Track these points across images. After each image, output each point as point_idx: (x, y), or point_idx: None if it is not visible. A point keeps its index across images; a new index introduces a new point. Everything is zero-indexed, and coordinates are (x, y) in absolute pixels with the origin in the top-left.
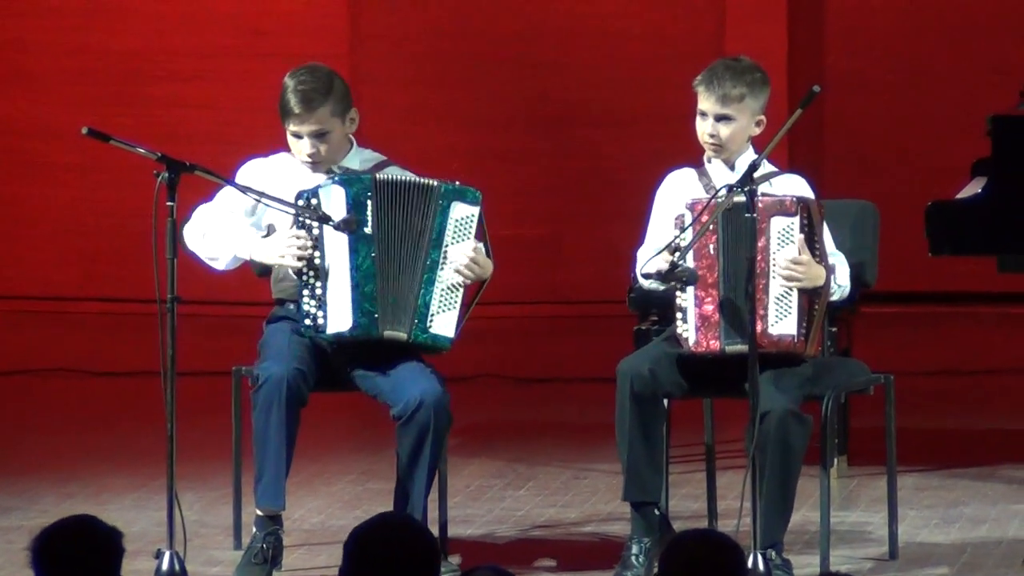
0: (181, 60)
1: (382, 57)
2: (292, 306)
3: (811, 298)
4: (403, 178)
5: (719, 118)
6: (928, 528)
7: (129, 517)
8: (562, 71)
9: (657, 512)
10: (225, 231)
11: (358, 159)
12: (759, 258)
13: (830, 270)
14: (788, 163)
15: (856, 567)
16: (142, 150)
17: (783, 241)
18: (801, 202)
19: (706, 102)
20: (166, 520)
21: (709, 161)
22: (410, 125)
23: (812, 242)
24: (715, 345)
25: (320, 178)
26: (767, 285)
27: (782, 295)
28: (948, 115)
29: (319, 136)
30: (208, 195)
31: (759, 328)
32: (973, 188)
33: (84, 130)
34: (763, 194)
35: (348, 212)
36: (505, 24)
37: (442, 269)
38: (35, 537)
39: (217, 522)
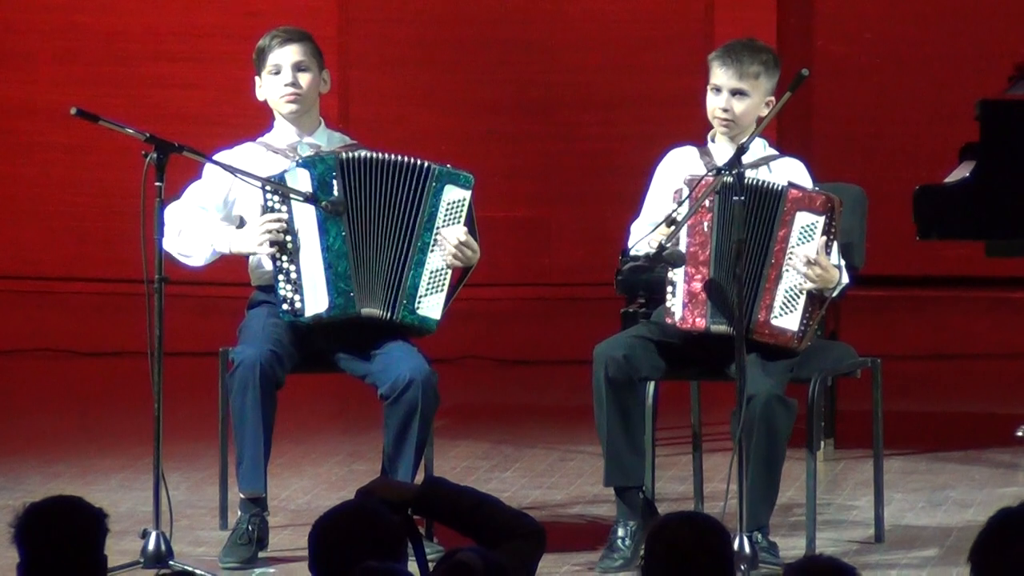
0: (170, 41)
1: (371, 40)
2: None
3: (817, 298)
4: (378, 156)
5: (734, 92)
6: (914, 511)
7: (116, 497)
8: (551, 54)
9: (642, 495)
10: (200, 227)
11: (326, 137)
12: (776, 247)
13: (840, 272)
14: (778, 146)
15: (842, 550)
16: (131, 130)
17: (804, 237)
18: (829, 202)
19: (722, 76)
20: (152, 500)
21: (713, 140)
22: (399, 108)
23: (829, 244)
24: (701, 323)
25: (285, 164)
26: (779, 276)
27: (791, 290)
28: (937, 99)
29: (300, 69)
30: (196, 175)
31: (761, 317)
32: (961, 172)
33: (73, 110)
34: (792, 184)
35: (314, 193)
36: (494, 7)
37: (432, 252)
38: (18, 516)
39: (203, 502)
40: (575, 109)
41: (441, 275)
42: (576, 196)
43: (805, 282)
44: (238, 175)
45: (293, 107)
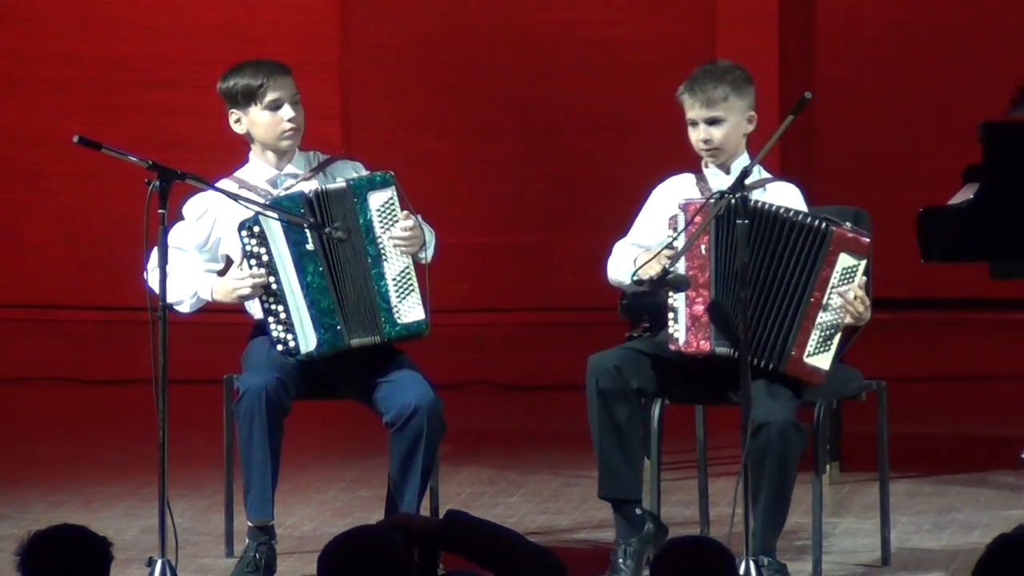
0: (172, 68)
1: (371, 66)
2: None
3: (850, 334)
4: (329, 187)
5: (709, 121)
6: (920, 534)
7: (121, 525)
8: (553, 79)
9: (639, 511)
10: (184, 273)
11: (303, 161)
12: (816, 286)
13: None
14: (780, 169)
15: (848, 573)
16: (133, 158)
17: (846, 278)
18: (869, 244)
19: (692, 109)
20: (158, 528)
21: (706, 166)
22: (399, 133)
23: (868, 284)
24: (705, 345)
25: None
26: (817, 314)
27: (828, 329)
28: (939, 122)
29: (296, 102)
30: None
31: (795, 353)
32: (965, 194)
33: (75, 138)
34: (828, 219)
35: (286, 234)
36: (495, 32)
37: (386, 260)
38: (23, 544)
39: (209, 529)
40: (577, 134)
41: (405, 276)
42: (578, 221)
43: (844, 319)
44: (241, 202)
45: (292, 141)
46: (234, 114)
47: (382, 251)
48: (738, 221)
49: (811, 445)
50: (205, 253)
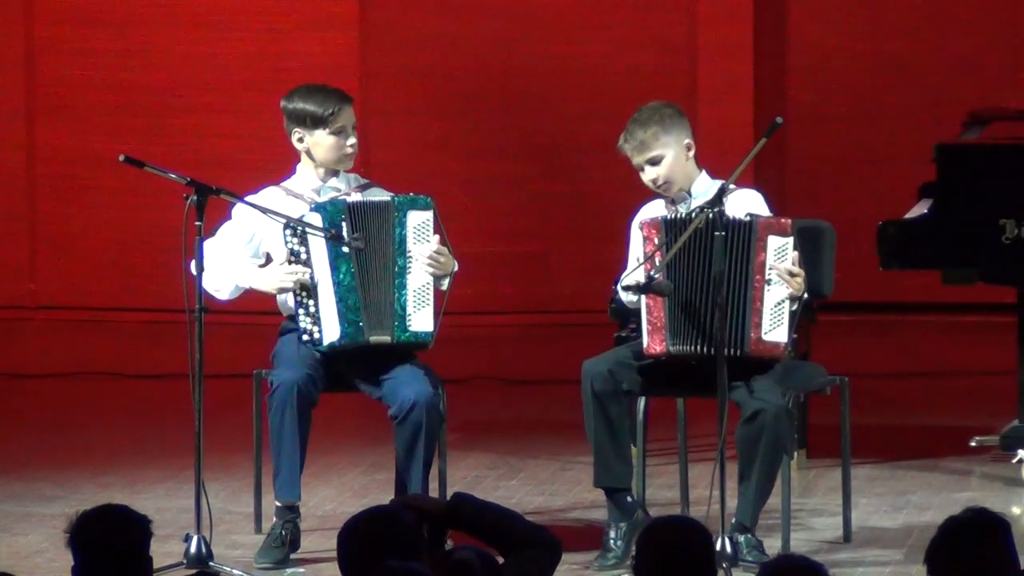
0: (208, 94)
1: (389, 91)
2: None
3: (798, 307)
4: (371, 199)
5: (650, 162)
6: (879, 514)
7: (161, 505)
8: (550, 105)
9: (630, 499)
10: (226, 264)
11: (345, 181)
12: (756, 271)
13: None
14: (753, 185)
15: (814, 549)
16: (173, 175)
17: (780, 258)
18: (790, 223)
19: (633, 157)
20: (194, 507)
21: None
22: (414, 152)
23: (799, 259)
24: (661, 348)
25: (302, 208)
26: (762, 296)
27: (777, 305)
28: (897, 143)
29: (355, 130)
30: (229, 216)
31: (753, 334)
32: (920, 209)
33: (121, 157)
34: (749, 214)
35: (336, 231)
36: (500, 62)
37: (410, 272)
38: (72, 522)
39: (240, 509)
40: (573, 154)
41: (424, 292)
42: (573, 232)
43: (787, 291)
44: (268, 214)
45: (349, 164)
46: (297, 133)
47: (409, 265)
48: (716, 233)
49: None
50: (248, 249)
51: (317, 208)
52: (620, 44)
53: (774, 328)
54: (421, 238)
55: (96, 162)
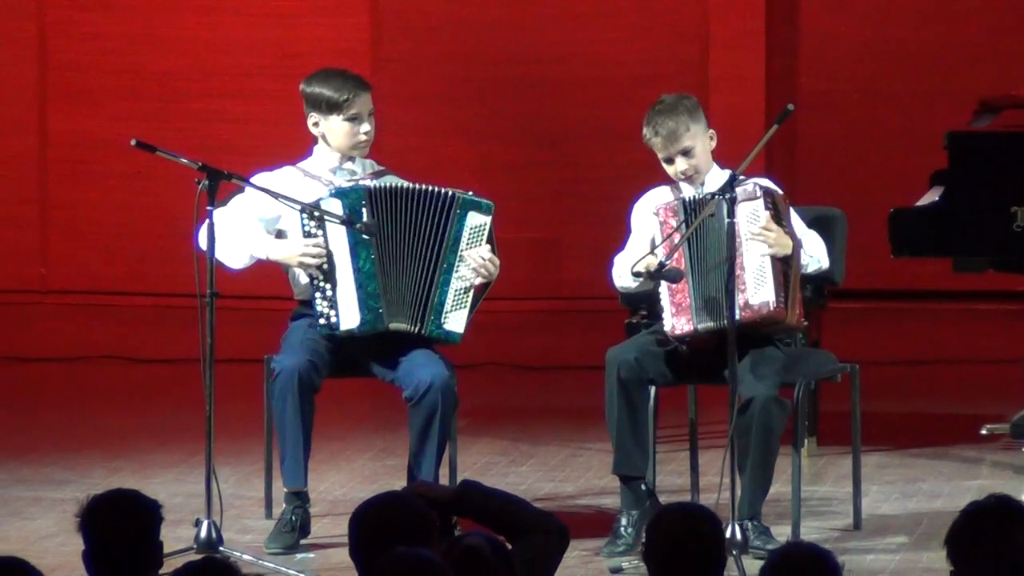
0: (219, 80)
1: (401, 79)
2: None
3: (784, 267)
4: (404, 186)
5: (682, 153)
6: (889, 502)
7: (171, 489)
8: (561, 92)
9: (644, 487)
10: (241, 233)
11: (361, 166)
12: (735, 241)
13: (798, 243)
14: (765, 172)
15: (824, 536)
16: (184, 160)
17: (752, 221)
18: (763, 189)
19: (663, 149)
20: (204, 492)
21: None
22: (426, 139)
23: (779, 221)
24: (688, 327)
25: (320, 191)
26: (742, 262)
27: (757, 266)
28: (908, 131)
29: (371, 115)
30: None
31: (740, 301)
32: (931, 196)
33: (133, 142)
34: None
35: (348, 216)
36: (511, 50)
37: (457, 271)
38: (83, 506)
39: (250, 494)
40: (583, 141)
41: (465, 293)
42: (584, 218)
43: (763, 249)
44: (280, 199)
45: (363, 152)
46: (313, 117)
47: (457, 264)
48: (728, 220)
49: (791, 421)
50: (263, 223)
51: (337, 193)
52: (632, 31)
53: (759, 289)
54: (474, 241)
55: (107, 147)
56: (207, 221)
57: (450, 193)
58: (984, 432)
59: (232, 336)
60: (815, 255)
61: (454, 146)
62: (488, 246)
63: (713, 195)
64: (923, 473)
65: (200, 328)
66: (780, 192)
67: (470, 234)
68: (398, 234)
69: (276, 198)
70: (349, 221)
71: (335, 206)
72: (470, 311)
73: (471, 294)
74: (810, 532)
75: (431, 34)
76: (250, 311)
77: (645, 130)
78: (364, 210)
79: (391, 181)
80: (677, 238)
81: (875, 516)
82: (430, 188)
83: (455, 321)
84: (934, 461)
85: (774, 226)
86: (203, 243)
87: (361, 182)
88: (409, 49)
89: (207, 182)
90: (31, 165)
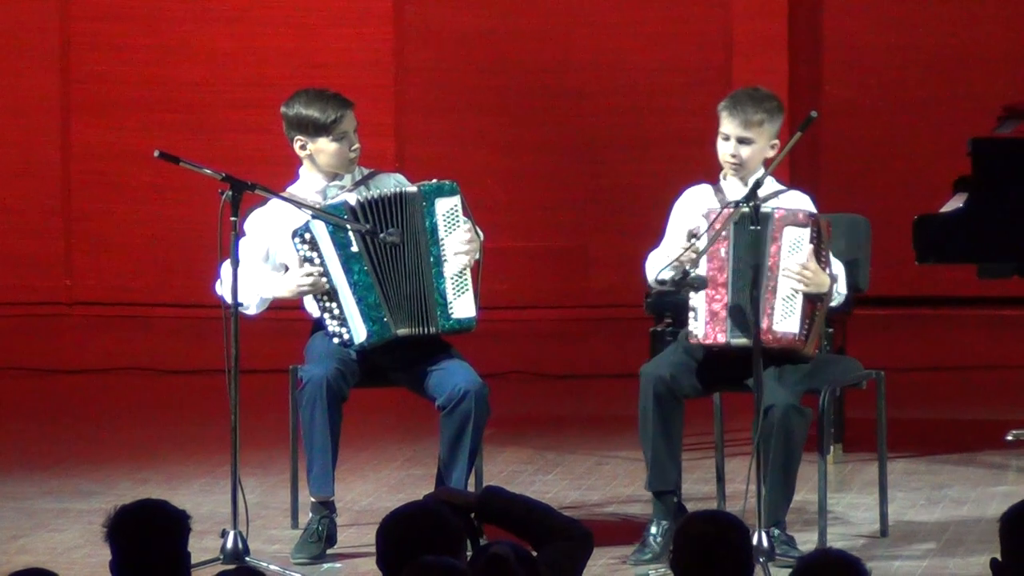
0: (243, 90)
1: (424, 88)
2: None
3: (814, 302)
4: (381, 194)
5: (741, 140)
6: (915, 508)
7: (197, 500)
8: (587, 100)
9: (676, 500)
10: (248, 280)
11: (349, 178)
12: (770, 263)
13: (834, 279)
14: (789, 180)
15: (850, 544)
16: (208, 171)
17: (793, 249)
18: (812, 217)
19: (729, 125)
20: (230, 502)
21: (724, 178)
22: (450, 148)
23: (819, 252)
24: (721, 338)
25: (303, 218)
26: (775, 287)
27: (788, 296)
28: (933, 137)
29: (356, 131)
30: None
31: (764, 325)
32: (955, 203)
33: (156, 153)
34: (777, 208)
35: (332, 238)
36: (536, 58)
37: (446, 261)
38: (110, 517)
39: (276, 504)
40: (608, 148)
41: (462, 277)
42: (610, 227)
43: (798, 286)
44: (303, 208)
45: (353, 166)
46: (299, 140)
47: (443, 253)
48: (750, 228)
49: (817, 428)
50: (267, 264)
51: (317, 216)
52: (655, 38)
53: (785, 318)
54: (451, 225)
55: (131, 158)
56: (219, 276)
57: (412, 189)
58: (1010, 438)
59: (257, 346)
60: (841, 291)
61: (478, 156)
62: (468, 224)
63: (737, 203)
64: (949, 479)
65: (225, 339)
66: (825, 220)
67: (445, 220)
68: (393, 243)
69: (300, 207)
70: (371, 232)
71: (320, 228)
72: (475, 293)
73: (469, 276)
74: (836, 539)
75: (455, 43)
76: (274, 321)
77: (724, 101)
78: (348, 225)
79: (383, 181)
80: (712, 241)
81: (901, 523)
82: (397, 191)
83: (462, 307)
84: (960, 467)
85: (813, 264)
86: (221, 288)
87: (341, 196)
88: (432, 58)
89: (231, 193)
90: (55, 176)
